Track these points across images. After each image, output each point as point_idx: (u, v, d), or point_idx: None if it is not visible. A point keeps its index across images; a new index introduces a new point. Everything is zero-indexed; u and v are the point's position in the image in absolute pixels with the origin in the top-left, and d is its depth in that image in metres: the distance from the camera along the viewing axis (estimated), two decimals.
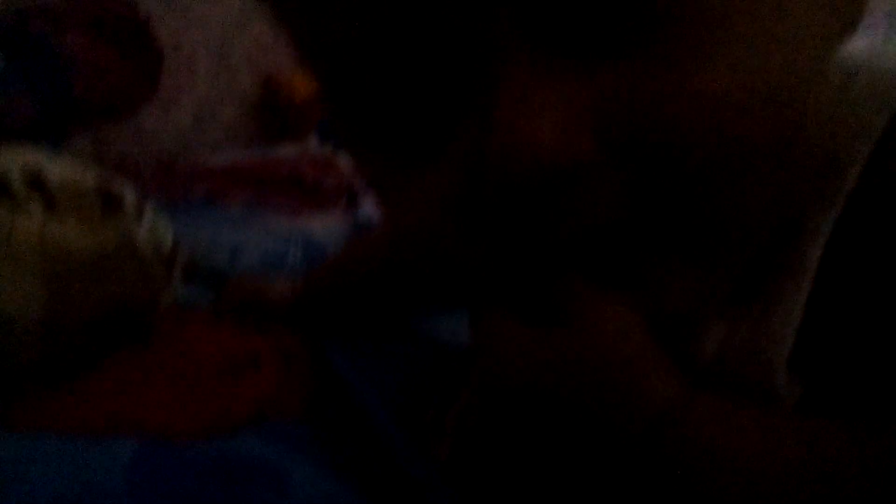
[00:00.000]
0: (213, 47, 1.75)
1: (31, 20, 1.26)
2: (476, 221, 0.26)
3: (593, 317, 0.27)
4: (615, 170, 0.24)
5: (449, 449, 0.38)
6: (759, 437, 0.27)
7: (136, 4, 1.47)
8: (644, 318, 0.28)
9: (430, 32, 0.23)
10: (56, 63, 1.26)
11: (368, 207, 0.95)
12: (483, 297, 0.30)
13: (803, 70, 0.25)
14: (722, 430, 0.28)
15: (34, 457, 0.37)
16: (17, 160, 0.51)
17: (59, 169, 0.51)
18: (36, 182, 0.49)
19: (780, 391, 0.30)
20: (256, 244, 0.82)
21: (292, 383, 0.45)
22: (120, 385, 0.44)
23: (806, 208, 0.29)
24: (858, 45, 0.32)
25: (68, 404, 0.42)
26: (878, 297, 0.28)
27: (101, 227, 0.46)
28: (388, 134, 0.27)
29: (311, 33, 0.27)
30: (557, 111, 0.23)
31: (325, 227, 0.91)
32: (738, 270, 0.28)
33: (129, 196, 0.52)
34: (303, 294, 0.61)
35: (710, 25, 0.23)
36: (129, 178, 1.20)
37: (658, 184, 0.24)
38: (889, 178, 0.29)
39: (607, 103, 0.23)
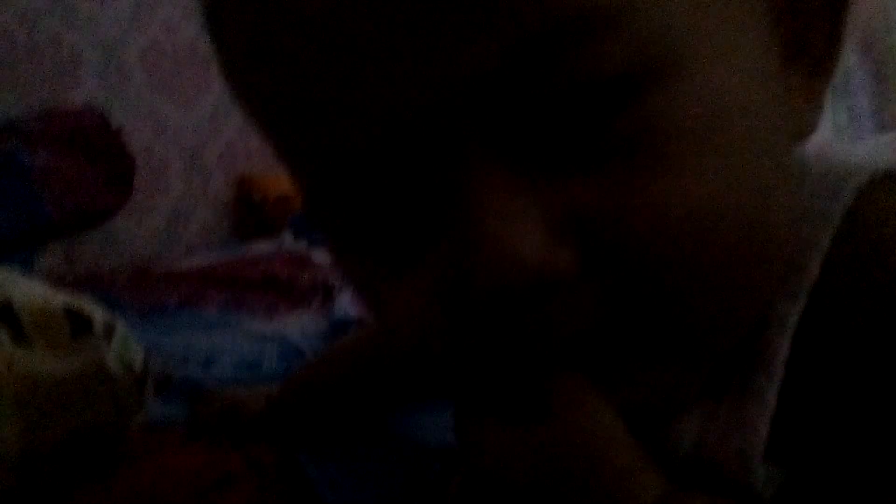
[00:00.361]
0: (186, 151, 1.79)
1: (1, 138, 1.28)
2: (459, 326, 0.26)
3: (575, 414, 0.27)
4: (593, 279, 0.25)
5: None
6: None
7: (108, 115, 1.50)
8: (618, 412, 0.28)
9: (406, 151, 0.24)
10: (27, 179, 1.28)
11: (344, 304, 0.95)
12: (466, 396, 0.30)
13: (766, 175, 0.27)
14: None
15: None
16: None
17: (26, 294, 0.51)
18: (3, 311, 0.49)
19: (757, 483, 0.30)
20: (231, 350, 0.82)
21: (266, 501, 0.44)
22: None
23: (772, 301, 0.30)
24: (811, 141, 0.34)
25: None
26: (848, 387, 0.29)
27: (71, 351, 0.46)
28: (371, 241, 0.27)
29: (293, 147, 0.28)
30: (536, 224, 0.24)
31: (302, 326, 0.90)
32: (709, 365, 0.29)
33: (99, 316, 0.52)
34: (279, 400, 0.60)
35: (678, 138, 0.24)
36: (103, 288, 1.19)
37: (634, 290, 0.25)
38: (850, 268, 0.29)
39: (582, 215, 0.24)
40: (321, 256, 1.22)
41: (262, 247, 1.47)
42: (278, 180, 1.72)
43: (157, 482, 0.45)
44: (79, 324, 0.50)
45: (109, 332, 0.51)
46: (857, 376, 0.29)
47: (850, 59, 1.14)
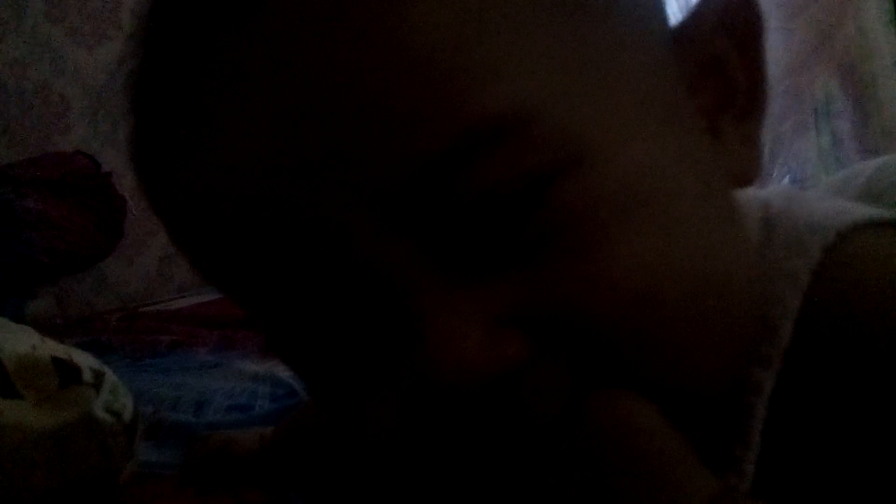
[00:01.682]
0: None
1: None
2: (441, 434, 0.26)
3: (614, 415, 0.26)
4: (550, 362, 0.25)
5: None
6: None
7: (97, 160, 1.51)
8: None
9: (345, 276, 0.25)
10: (18, 224, 1.28)
11: None
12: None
13: (704, 231, 0.27)
14: None
15: None
16: None
17: (14, 345, 0.51)
18: None
19: None
20: (223, 391, 0.81)
21: None
22: None
23: (746, 367, 0.29)
24: (774, 194, 0.34)
25: None
26: (827, 452, 0.28)
27: (59, 402, 0.46)
28: (330, 364, 0.28)
29: (243, 293, 0.29)
30: (477, 327, 0.24)
31: None
32: (687, 429, 0.28)
33: (87, 365, 0.51)
34: (272, 442, 0.60)
35: (600, 220, 0.25)
36: (94, 331, 1.19)
37: (595, 364, 0.25)
38: (821, 331, 0.29)
39: (523, 307, 0.25)
40: None
41: None
42: None
43: None
44: (67, 374, 0.49)
45: (98, 380, 0.51)
46: (834, 441, 0.28)
47: (831, 85, 1.16)
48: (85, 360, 0.52)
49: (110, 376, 0.53)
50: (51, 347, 0.52)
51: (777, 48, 1.26)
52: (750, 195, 0.32)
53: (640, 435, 0.26)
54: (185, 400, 0.79)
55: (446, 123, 0.23)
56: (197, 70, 0.25)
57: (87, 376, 0.50)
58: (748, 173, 0.30)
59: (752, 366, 0.29)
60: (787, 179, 1.12)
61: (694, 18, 0.30)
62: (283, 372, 0.88)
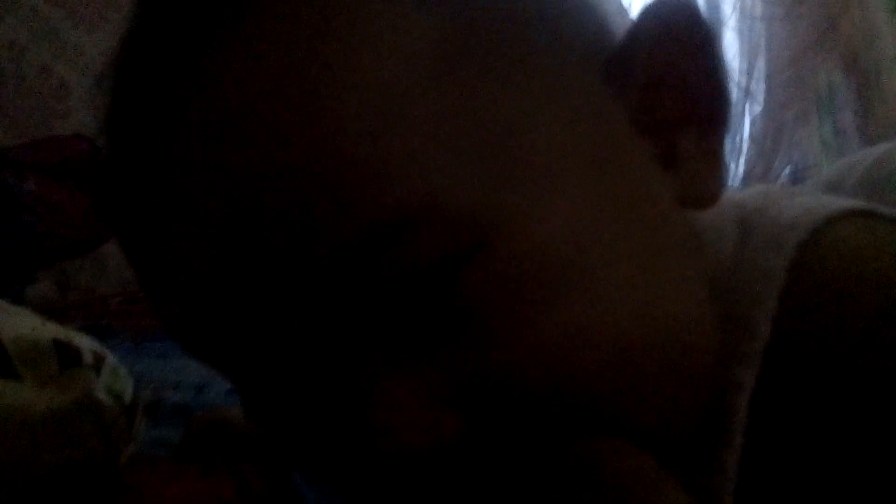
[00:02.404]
0: None
1: None
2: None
3: (616, 467, 0.26)
4: (484, 433, 0.26)
5: None
6: None
7: (96, 144, 1.49)
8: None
9: (293, 358, 0.27)
10: (17, 208, 1.28)
11: None
12: None
13: (642, 296, 0.27)
14: None
15: None
16: None
17: (14, 327, 0.51)
18: None
19: None
20: None
21: None
22: None
23: (727, 366, 0.29)
24: (751, 194, 0.34)
25: None
26: (810, 448, 0.28)
27: (60, 385, 0.46)
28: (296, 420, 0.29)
29: (207, 353, 0.30)
30: (416, 402, 0.26)
31: None
32: (669, 446, 0.28)
33: (88, 348, 0.52)
34: None
35: (525, 286, 0.26)
36: (95, 315, 1.19)
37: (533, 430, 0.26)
38: (799, 327, 0.29)
39: (454, 383, 0.26)
40: None
41: None
42: None
43: None
44: (67, 356, 0.49)
45: (99, 363, 0.51)
46: (816, 439, 0.28)
47: (834, 75, 1.16)
48: (85, 343, 0.52)
49: (111, 359, 0.53)
50: (51, 330, 0.52)
51: (780, 37, 1.25)
52: (725, 196, 0.31)
53: (620, 478, 0.26)
54: (185, 383, 0.79)
55: (355, 218, 0.24)
56: (145, 165, 0.27)
57: (88, 359, 0.50)
58: (708, 194, 0.29)
59: (732, 365, 0.29)
60: (788, 170, 1.12)
61: (631, 37, 0.30)
62: None
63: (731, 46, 1.30)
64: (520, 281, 0.25)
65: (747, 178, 1.15)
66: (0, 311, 0.54)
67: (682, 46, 0.29)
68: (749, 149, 1.22)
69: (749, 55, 1.26)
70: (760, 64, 1.25)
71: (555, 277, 0.26)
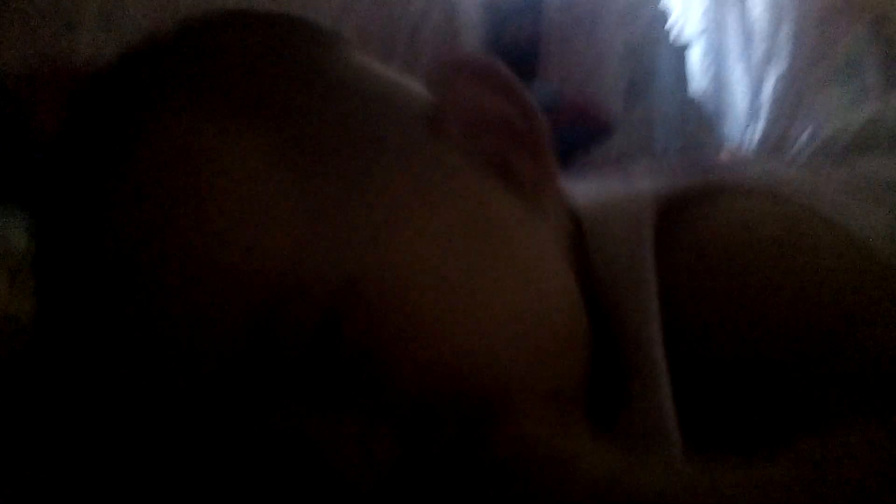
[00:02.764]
0: None
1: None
2: None
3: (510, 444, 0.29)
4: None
5: None
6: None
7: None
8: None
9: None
10: (25, 134, 1.26)
11: None
12: None
13: (505, 298, 0.32)
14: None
15: None
16: None
17: (26, 236, 0.50)
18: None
19: None
20: None
21: None
22: None
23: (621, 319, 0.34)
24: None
25: None
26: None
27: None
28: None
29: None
30: (349, 437, 0.30)
31: None
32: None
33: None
34: None
35: (393, 332, 0.30)
36: None
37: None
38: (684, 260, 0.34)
39: (380, 409, 0.30)
40: None
41: None
42: None
43: None
44: None
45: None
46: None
47: (860, 38, 1.13)
48: None
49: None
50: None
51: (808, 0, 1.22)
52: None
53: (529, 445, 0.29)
54: None
55: (230, 310, 0.29)
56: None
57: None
58: (551, 192, 0.35)
59: (628, 314, 0.33)
60: (806, 134, 1.10)
61: (440, 91, 0.35)
62: None
63: (756, 7, 1.27)
64: (391, 314, 0.30)
65: (764, 140, 1.14)
66: (10, 222, 0.53)
67: (495, 84, 0.35)
68: (768, 111, 1.20)
69: (775, 17, 1.23)
70: (786, 26, 1.22)
71: (425, 301, 0.30)
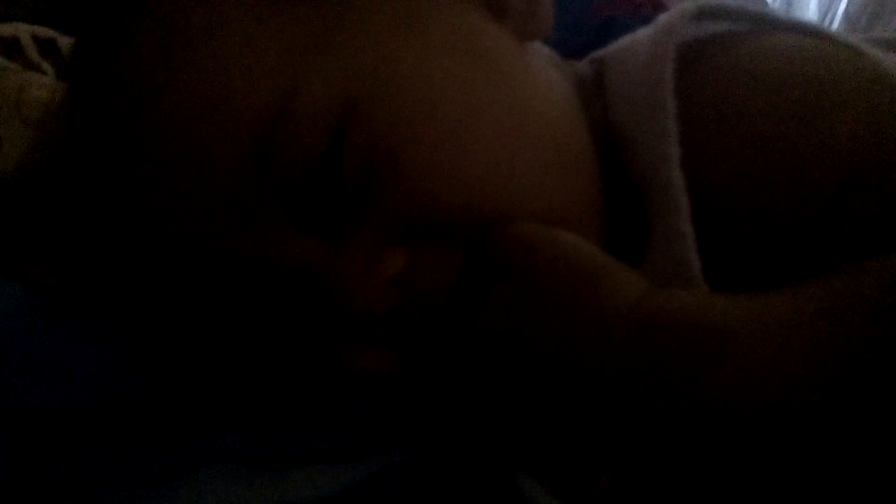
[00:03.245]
0: None
1: None
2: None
3: (534, 249, 0.30)
4: (432, 251, 0.31)
5: None
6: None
7: None
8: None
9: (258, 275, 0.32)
10: None
11: None
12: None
13: (500, 108, 0.33)
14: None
15: None
16: (29, 29, 0.50)
17: (72, 40, 0.50)
18: (49, 49, 0.48)
19: None
20: None
21: None
22: None
23: (651, 146, 0.33)
24: None
25: None
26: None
27: None
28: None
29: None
30: (361, 258, 0.31)
31: None
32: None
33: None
34: None
35: (400, 138, 0.31)
36: None
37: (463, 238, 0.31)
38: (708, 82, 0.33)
39: (385, 228, 0.31)
40: None
41: None
42: None
43: None
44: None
45: None
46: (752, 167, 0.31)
47: None
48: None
49: None
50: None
51: None
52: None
53: (561, 251, 0.29)
54: None
55: (232, 131, 0.29)
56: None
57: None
58: (543, 24, 0.36)
59: (650, 140, 0.32)
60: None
61: None
62: None
63: None
64: (394, 126, 0.30)
65: None
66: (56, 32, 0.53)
67: None
68: (841, 26, 1.14)
69: None
70: None
71: (424, 113, 0.30)
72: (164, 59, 0.31)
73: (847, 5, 1.12)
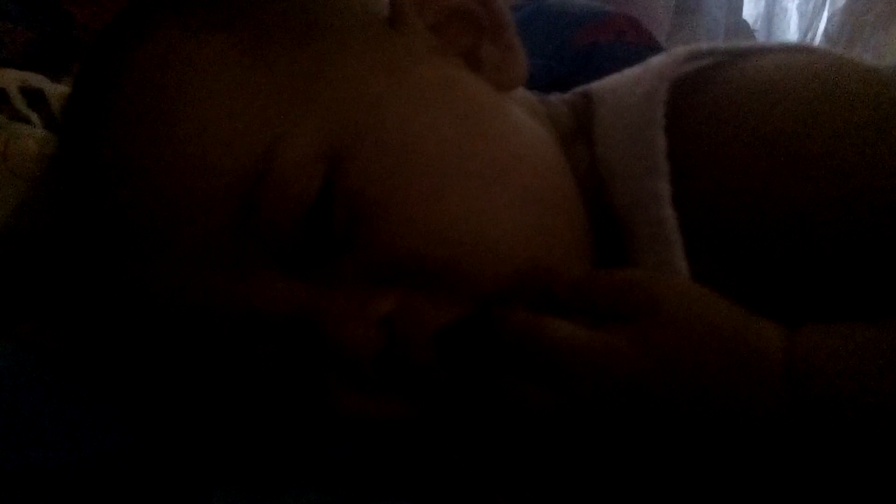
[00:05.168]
0: None
1: None
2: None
3: (665, 298, 0.29)
4: (422, 296, 0.32)
5: None
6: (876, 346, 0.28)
7: None
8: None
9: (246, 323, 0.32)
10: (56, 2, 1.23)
11: None
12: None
13: (484, 156, 0.34)
14: (846, 347, 0.28)
15: None
16: (17, 78, 0.50)
17: (60, 89, 0.50)
18: (36, 99, 0.48)
19: None
20: None
21: None
22: None
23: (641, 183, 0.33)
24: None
25: None
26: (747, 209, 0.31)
27: None
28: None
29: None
30: (351, 301, 0.31)
31: None
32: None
33: None
34: None
35: (384, 186, 0.31)
36: None
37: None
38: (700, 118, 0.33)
39: (375, 272, 0.32)
40: None
41: None
42: None
43: None
44: None
45: None
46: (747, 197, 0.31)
47: None
48: None
49: None
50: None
51: None
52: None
53: (699, 314, 0.28)
54: None
55: (218, 187, 0.30)
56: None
57: None
58: (518, 74, 0.37)
59: (642, 179, 0.33)
60: None
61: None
62: None
63: None
64: (376, 176, 0.30)
65: None
66: (44, 78, 0.53)
67: None
68: (821, 45, 1.16)
69: None
70: None
71: (403, 163, 0.31)
72: (149, 118, 0.32)
73: (826, 25, 1.14)
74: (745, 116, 0.33)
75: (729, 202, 0.32)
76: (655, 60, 0.37)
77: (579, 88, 0.41)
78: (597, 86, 0.39)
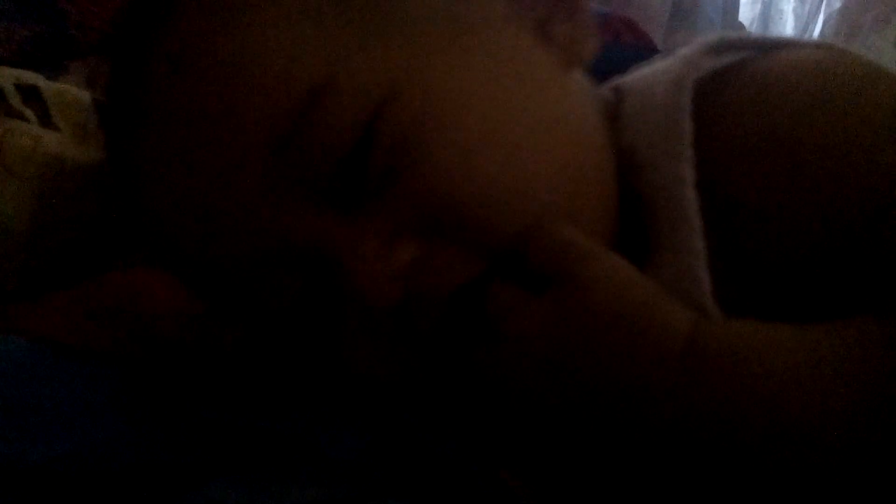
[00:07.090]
0: None
1: None
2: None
3: (585, 271, 0.30)
4: (444, 247, 0.32)
5: None
6: (794, 344, 0.28)
7: None
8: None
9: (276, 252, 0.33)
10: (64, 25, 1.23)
11: None
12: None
13: (529, 122, 0.33)
14: (758, 339, 0.28)
15: None
16: (12, 75, 0.50)
17: (55, 85, 0.50)
18: (31, 96, 0.48)
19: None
20: None
21: None
22: None
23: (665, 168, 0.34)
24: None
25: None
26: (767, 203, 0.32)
27: (96, 141, 0.45)
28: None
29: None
30: (374, 245, 0.31)
31: None
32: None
33: None
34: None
35: (428, 134, 0.31)
36: None
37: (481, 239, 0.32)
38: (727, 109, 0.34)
39: (403, 216, 0.32)
40: None
41: None
42: None
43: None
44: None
45: None
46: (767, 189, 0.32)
47: None
48: None
49: None
50: (89, 94, 0.51)
51: None
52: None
53: (613, 285, 0.29)
54: None
55: (271, 107, 0.30)
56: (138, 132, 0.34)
57: None
58: (585, 53, 0.37)
59: (662, 162, 0.33)
60: None
61: None
62: None
63: None
64: (427, 122, 0.31)
65: None
66: (39, 76, 0.53)
67: None
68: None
69: None
70: None
71: (456, 114, 0.31)
72: (212, 26, 0.32)
73: (822, 28, 1.14)
74: (760, 115, 0.33)
75: (739, 195, 0.32)
76: (684, 50, 0.37)
77: (610, 83, 0.41)
78: (627, 79, 0.40)
